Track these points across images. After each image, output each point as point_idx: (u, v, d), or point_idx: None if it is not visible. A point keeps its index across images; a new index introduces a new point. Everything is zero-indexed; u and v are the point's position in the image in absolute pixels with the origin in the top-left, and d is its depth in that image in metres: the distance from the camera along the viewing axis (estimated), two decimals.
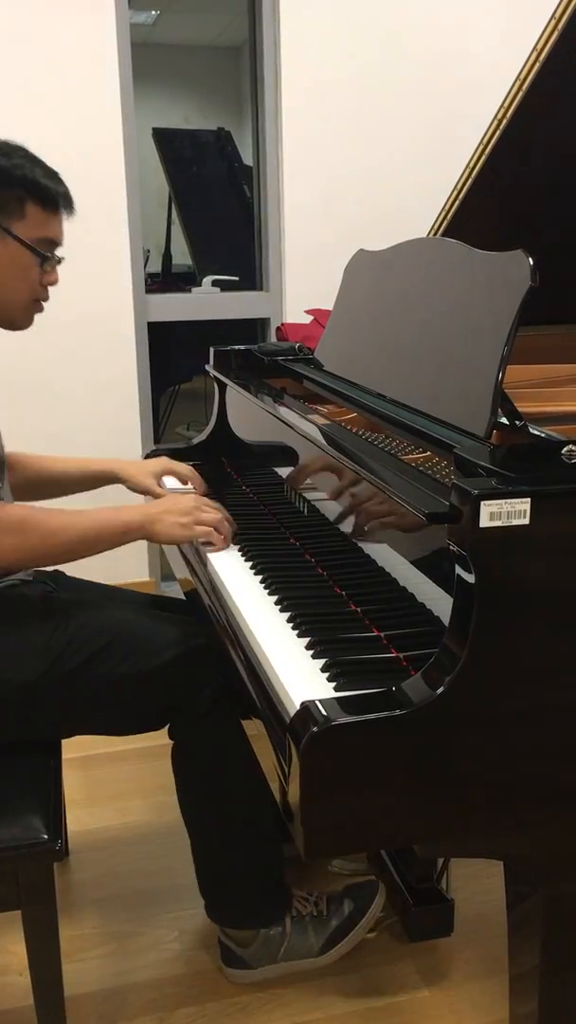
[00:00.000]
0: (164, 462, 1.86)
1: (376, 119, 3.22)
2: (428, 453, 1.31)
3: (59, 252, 1.52)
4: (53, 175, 1.49)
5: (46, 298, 1.54)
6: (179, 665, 1.47)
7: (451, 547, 1.01)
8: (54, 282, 1.53)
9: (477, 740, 1.03)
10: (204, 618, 1.53)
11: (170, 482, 1.86)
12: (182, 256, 4.38)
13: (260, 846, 1.58)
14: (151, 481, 1.80)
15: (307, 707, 1.01)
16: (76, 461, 1.84)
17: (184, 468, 1.86)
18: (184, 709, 1.50)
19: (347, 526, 1.44)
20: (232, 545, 1.62)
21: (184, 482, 1.85)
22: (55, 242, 1.51)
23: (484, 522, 0.97)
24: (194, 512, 1.57)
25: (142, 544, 2.96)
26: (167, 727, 1.55)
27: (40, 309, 1.54)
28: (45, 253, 1.49)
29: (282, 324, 2.92)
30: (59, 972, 1.43)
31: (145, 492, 1.80)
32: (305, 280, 3.26)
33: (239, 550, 1.60)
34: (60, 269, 1.53)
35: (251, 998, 1.63)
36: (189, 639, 1.50)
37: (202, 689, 1.48)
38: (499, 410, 1.21)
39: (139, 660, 1.46)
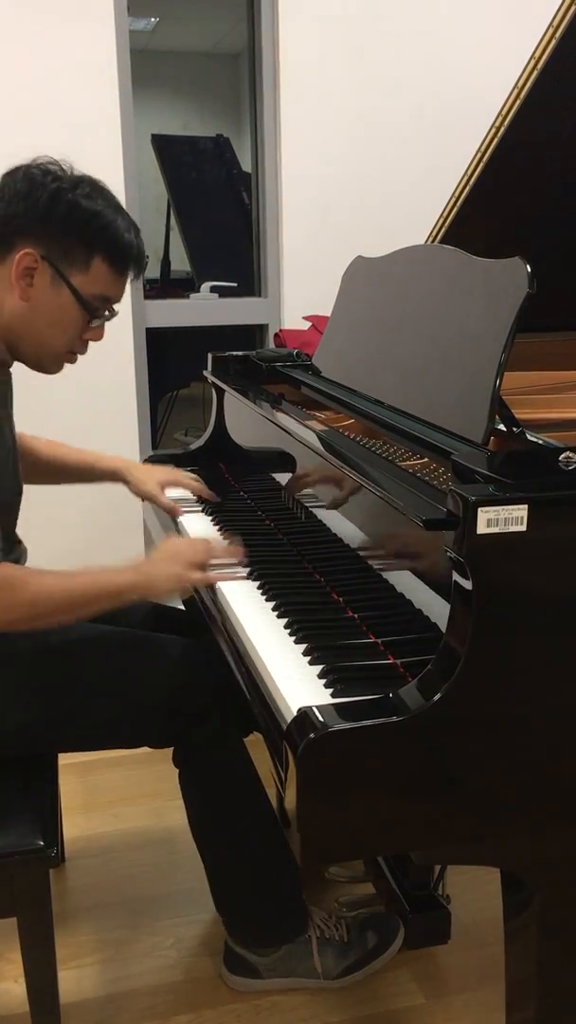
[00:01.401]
0: (170, 472, 1.82)
1: (374, 126, 3.23)
2: (426, 459, 1.32)
3: (115, 307, 1.42)
4: (134, 229, 1.37)
5: (83, 352, 1.45)
6: (178, 697, 1.45)
7: (448, 553, 1.01)
8: (97, 339, 1.43)
9: (474, 747, 1.02)
10: (202, 625, 1.52)
11: (175, 493, 1.84)
12: (180, 262, 4.38)
13: (274, 865, 1.57)
14: (156, 489, 1.77)
15: (304, 713, 1.01)
16: (82, 453, 1.80)
17: (190, 481, 1.84)
18: (187, 739, 1.49)
19: (344, 532, 1.44)
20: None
21: (190, 492, 1.84)
22: (111, 300, 1.41)
23: (481, 528, 0.97)
24: (185, 553, 1.47)
25: (140, 550, 2.97)
26: (172, 752, 1.54)
27: (73, 360, 1.45)
28: (96, 312, 1.39)
29: (280, 330, 2.92)
30: (55, 979, 1.42)
31: (147, 498, 1.78)
32: (303, 286, 3.27)
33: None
34: None
35: (247, 1006, 1.63)
36: (189, 668, 1.47)
37: (204, 719, 1.46)
38: (496, 416, 1.21)
39: (136, 694, 1.44)
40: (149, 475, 1.80)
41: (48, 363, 1.44)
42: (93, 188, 1.36)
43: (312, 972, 1.62)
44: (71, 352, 1.44)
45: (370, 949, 1.65)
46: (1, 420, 1.47)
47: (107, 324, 1.46)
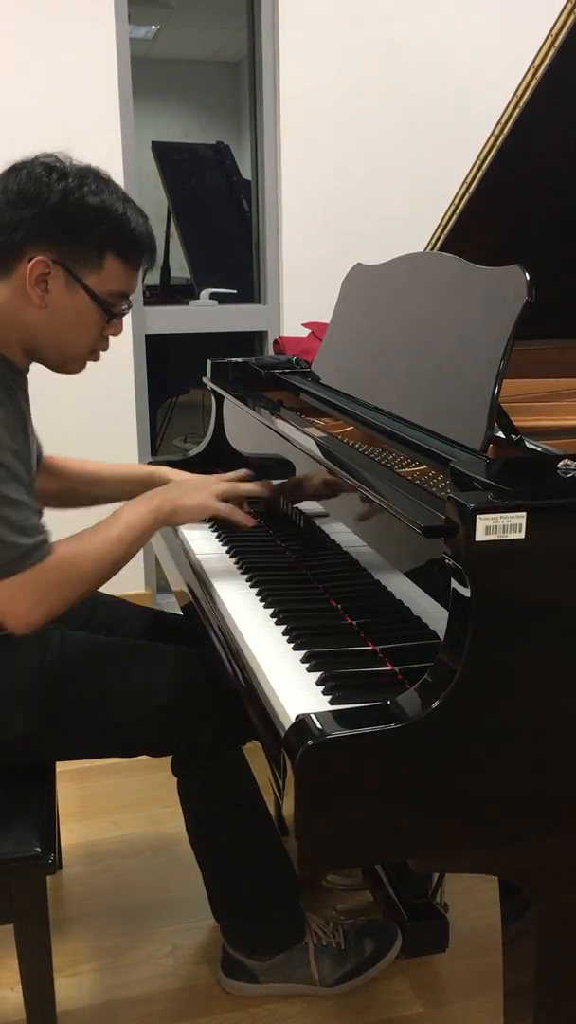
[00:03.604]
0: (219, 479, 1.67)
1: (374, 134, 3.24)
2: (424, 466, 1.32)
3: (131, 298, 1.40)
4: (142, 217, 1.34)
5: (105, 347, 1.43)
6: (176, 709, 1.45)
7: (447, 561, 1.01)
8: (117, 333, 1.42)
9: (472, 754, 1.02)
10: (200, 632, 1.52)
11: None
12: (180, 269, 4.39)
13: (272, 873, 1.57)
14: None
15: (302, 721, 1.01)
16: (117, 469, 1.75)
17: (242, 479, 1.68)
18: (185, 750, 1.48)
19: (343, 539, 1.44)
20: (228, 558, 1.62)
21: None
22: (126, 295, 1.38)
23: (480, 536, 0.97)
24: (209, 484, 1.51)
25: (138, 556, 2.96)
26: (170, 760, 1.54)
27: (96, 358, 1.43)
28: (113, 309, 1.36)
29: (279, 337, 2.93)
30: (51, 987, 1.42)
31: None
32: (303, 293, 3.27)
33: (235, 563, 1.60)
34: None
35: (244, 1014, 1.62)
36: (187, 680, 1.46)
37: (201, 731, 1.46)
38: (495, 424, 1.21)
39: (134, 707, 1.43)
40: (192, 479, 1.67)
41: (72, 365, 1.42)
42: (98, 182, 1.32)
43: (309, 979, 1.62)
44: (93, 351, 1.42)
45: (367, 957, 1.65)
46: (27, 420, 1.43)
47: None
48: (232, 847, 1.55)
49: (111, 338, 1.43)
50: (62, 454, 1.82)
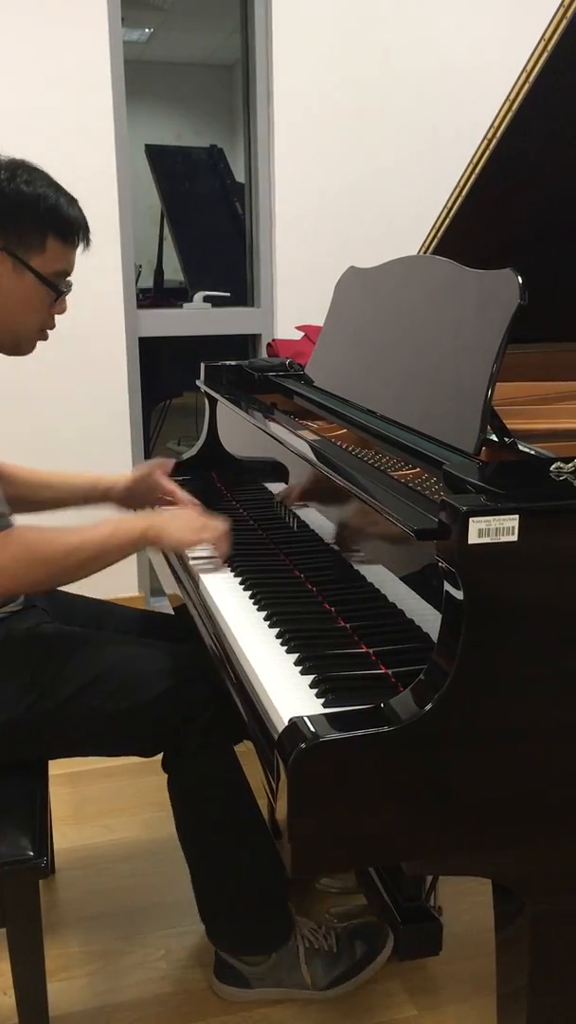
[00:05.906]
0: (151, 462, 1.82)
1: (368, 136, 3.24)
2: (417, 469, 1.32)
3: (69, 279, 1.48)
4: (74, 203, 1.44)
5: (53, 326, 1.50)
6: (167, 701, 1.45)
7: (440, 563, 1.01)
8: (63, 311, 1.49)
9: (465, 757, 1.02)
10: (193, 634, 1.52)
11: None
12: (174, 272, 4.39)
13: (260, 874, 1.57)
14: (144, 471, 1.77)
15: (295, 723, 1.01)
16: (65, 476, 1.79)
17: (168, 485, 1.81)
18: (175, 744, 1.48)
19: (337, 542, 1.44)
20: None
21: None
22: (68, 273, 1.47)
23: (473, 539, 0.97)
24: (202, 520, 1.57)
25: (132, 559, 2.96)
26: (161, 759, 1.54)
27: (45, 337, 1.51)
28: (61, 288, 1.45)
29: (273, 340, 2.93)
30: (44, 991, 1.42)
31: (142, 483, 1.77)
32: (296, 296, 3.28)
33: (229, 566, 1.60)
34: None
35: (238, 1018, 1.62)
36: (178, 673, 1.47)
37: (192, 724, 1.46)
38: (488, 427, 1.22)
39: (125, 696, 1.44)
40: (131, 473, 1.80)
41: (25, 345, 1.49)
42: (30, 172, 1.40)
43: (301, 982, 1.62)
44: (42, 330, 1.49)
45: (358, 959, 1.65)
46: None
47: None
48: (219, 844, 1.55)
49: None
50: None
